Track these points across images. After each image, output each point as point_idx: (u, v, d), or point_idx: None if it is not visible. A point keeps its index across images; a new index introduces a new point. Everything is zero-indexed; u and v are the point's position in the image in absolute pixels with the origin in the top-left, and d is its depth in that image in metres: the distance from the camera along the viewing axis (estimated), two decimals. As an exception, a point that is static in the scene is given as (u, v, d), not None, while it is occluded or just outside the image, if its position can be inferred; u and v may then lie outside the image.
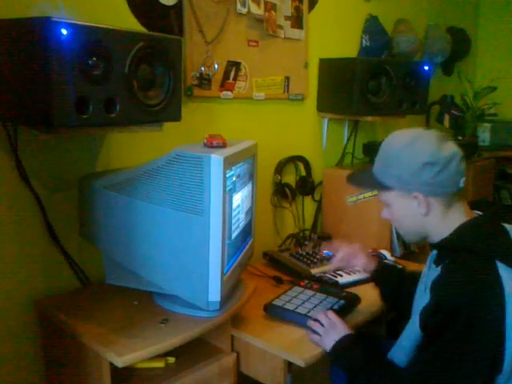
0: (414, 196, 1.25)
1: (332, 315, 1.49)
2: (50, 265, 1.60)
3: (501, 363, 1.12)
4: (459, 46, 3.37)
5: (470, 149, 2.89)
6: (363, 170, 1.40)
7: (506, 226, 1.23)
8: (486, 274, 1.14)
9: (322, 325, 1.46)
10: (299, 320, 1.55)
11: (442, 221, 1.26)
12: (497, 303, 1.11)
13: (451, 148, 1.24)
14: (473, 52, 3.63)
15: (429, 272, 1.32)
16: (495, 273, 1.13)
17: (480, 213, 1.31)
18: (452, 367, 1.13)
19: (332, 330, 1.43)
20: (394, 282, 1.61)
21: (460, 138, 2.95)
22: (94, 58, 1.24)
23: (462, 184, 1.24)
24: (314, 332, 1.47)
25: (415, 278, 1.47)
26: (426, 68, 2.49)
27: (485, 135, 3.32)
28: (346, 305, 1.66)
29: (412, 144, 1.24)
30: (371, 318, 1.67)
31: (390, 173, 1.28)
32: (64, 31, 1.15)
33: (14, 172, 1.48)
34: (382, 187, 1.30)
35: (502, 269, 1.14)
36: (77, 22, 1.19)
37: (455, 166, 1.22)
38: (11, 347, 1.52)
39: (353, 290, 1.80)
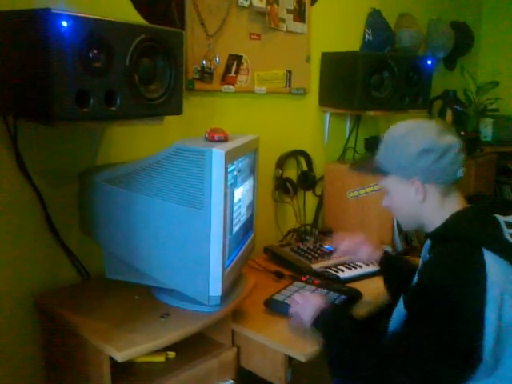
0: (412, 181, 1.29)
1: (305, 294, 1.51)
2: (51, 259, 1.60)
3: (480, 351, 1.13)
4: (462, 40, 3.35)
5: (472, 144, 2.88)
6: (367, 158, 1.43)
7: (498, 216, 1.24)
8: (471, 259, 1.16)
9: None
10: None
11: (438, 209, 1.30)
12: (479, 288, 1.12)
13: (450, 138, 1.28)
14: (476, 47, 3.61)
15: (423, 261, 1.35)
16: (480, 259, 1.15)
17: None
18: (428, 344, 1.15)
19: (308, 304, 1.45)
20: (397, 273, 1.63)
21: (462, 133, 2.94)
22: (95, 51, 1.23)
23: (460, 174, 1.28)
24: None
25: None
26: (429, 63, 2.47)
27: (487, 130, 3.31)
28: (348, 300, 1.66)
29: (413, 131, 1.30)
30: (372, 312, 1.67)
31: (391, 158, 1.33)
32: (64, 23, 1.14)
33: (14, 166, 1.48)
34: (383, 172, 1.35)
35: (488, 256, 1.15)
36: (77, 14, 1.17)
37: (453, 156, 1.26)
38: (11, 341, 1.52)
39: (354, 284, 1.80)
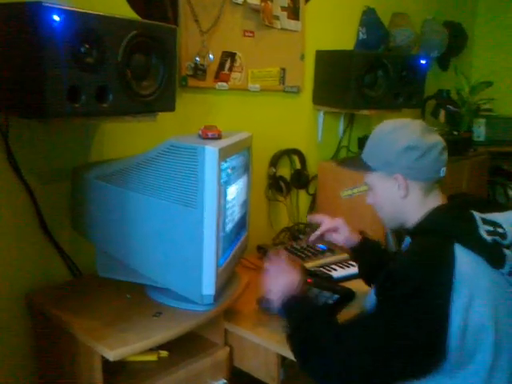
0: (394, 178, 1.31)
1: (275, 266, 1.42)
2: (42, 257, 1.58)
3: (442, 345, 1.12)
4: (456, 40, 3.36)
5: (465, 144, 2.88)
6: (354, 156, 1.45)
7: (475, 212, 1.25)
8: (441, 250, 1.17)
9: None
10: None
11: (419, 206, 1.32)
12: (445, 279, 1.12)
13: (434, 137, 1.31)
14: (469, 47, 3.63)
15: None
16: (450, 252, 1.16)
17: None
18: (390, 330, 1.14)
19: (280, 280, 1.37)
20: (373, 260, 1.65)
21: (455, 132, 2.94)
22: (87, 46, 1.21)
23: (442, 173, 1.31)
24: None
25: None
26: (423, 62, 2.47)
27: (480, 130, 3.32)
28: (341, 299, 1.66)
29: (398, 129, 1.33)
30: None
31: (375, 154, 1.36)
32: (56, 17, 1.12)
33: (4, 163, 1.46)
34: (367, 168, 1.37)
35: (460, 249, 1.16)
36: (69, 9, 1.16)
37: (436, 154, 1.29)
38: (2, 340, 1.50)
39: (347, 284, 1.79)
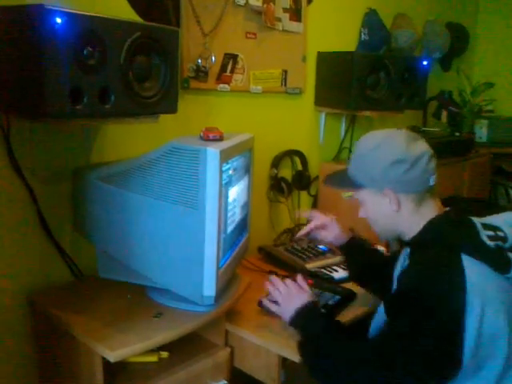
0: (384, 193, 1.29)
1: (291, 284, 1.47)
2: (43, 258, 1.59)
3: (459, 355, 1.12)
4: (458, 41, 3.36)
5: (467, 145, 2.88)
6: (340, 171, 1.44)
7: (474, 219, 1.24)
8: (450, 264, 1.16)
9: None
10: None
11: (414, 217, 1.30)
12: (457, 292, 1.12)
13: (420, 147, 1.28)
14: (471, 48, 3.62)
15: (401, 267, 1.35)
16: (458, 263, 1.15)
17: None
18: (407, 347, 1.15)
19: (292, 298, 1.41)
20: (362, 258, 1.67)
21: (457, 134, 2.94)
22: (89, 48, 1.22)
23: (432, 182, 1.28)
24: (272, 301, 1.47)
25: (386, 259, 1.59)
26: (425, 63, 2.47)
27: (482, 132, 3.32)
28: (342, 300, 1.66)
29: (383, 143, 1.29)
30: (366, 313, 1.66)
31: (363, 171, 1.32)
32: (58, 20, 1.13)
33: (6, 163, 1.46)
34: (356, 186, 1.34)
35: (467, 260, 1.16)
36: (71, 11, 1.16)
37: (424, 165, 1.26)
38: (2, 340, 1.51)
39: (348, 285, 1.79)
